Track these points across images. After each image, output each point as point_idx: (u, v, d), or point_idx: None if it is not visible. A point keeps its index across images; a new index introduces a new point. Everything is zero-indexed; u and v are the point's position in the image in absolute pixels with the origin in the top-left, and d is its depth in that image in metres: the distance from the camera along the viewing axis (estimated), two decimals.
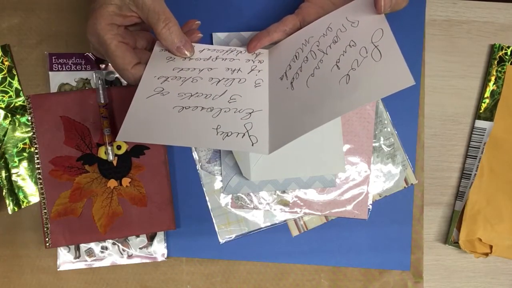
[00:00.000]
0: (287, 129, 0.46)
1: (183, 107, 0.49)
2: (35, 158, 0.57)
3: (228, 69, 0.54)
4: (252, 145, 0.46)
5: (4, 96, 0.60)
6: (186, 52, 0.52)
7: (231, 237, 0.59)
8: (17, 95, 0.60)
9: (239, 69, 0.54)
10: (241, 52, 0.57)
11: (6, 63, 0.60)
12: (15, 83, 0.60)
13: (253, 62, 0.55)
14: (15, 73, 0.60)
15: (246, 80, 0.53)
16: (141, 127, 0.47)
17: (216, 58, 0.55)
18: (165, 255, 0.59)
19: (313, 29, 0.53)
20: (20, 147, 0.59)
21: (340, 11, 0.52)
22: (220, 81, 0.52)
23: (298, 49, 0.53)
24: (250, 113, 0.49)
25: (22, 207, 0.59)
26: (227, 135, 0.46)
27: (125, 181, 0.58)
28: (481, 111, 0.61)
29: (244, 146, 0.46)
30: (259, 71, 0.54)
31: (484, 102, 0.61)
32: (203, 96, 0.50)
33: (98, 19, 0.48)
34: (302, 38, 0.54)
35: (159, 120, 0.47)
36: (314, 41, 0.52)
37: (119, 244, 0.59)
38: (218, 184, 0.60)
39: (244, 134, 0.47)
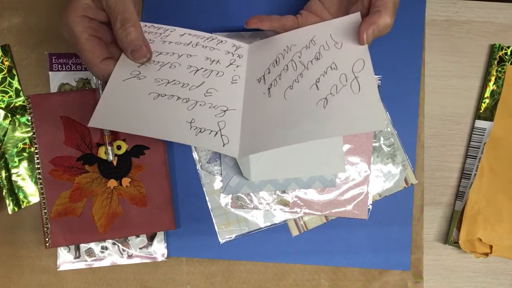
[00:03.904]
0: (259, 138, 0.46)
1: (158, 94, 0.48)
2: (35, 158, 0.57)
3: (208, 58, 0.53)
4: (223, 145, 0.46)
5: (4, 96, 0.60)
6: (140, 58, 0.48)
7: (231, 237, 0.59)
8: (17, 95, 0.60)
9: (218, 61, 0.53)
10: (221, 42, 0.56)
11: (6, 63, 0.60)
12: (15, 83, 0.60)
13: (233, 55, 0.55)
14: (15, 73, 0.60)
15: (224, 74, 0.52)
16: (114, 114, 0.46)
17: (197, 45, 0.54)
18: (165, 255, 0.59)
19: (297, 37, 0.53)
20: (20, 147, 0.59)
21: (325, 25, 0.52)
22: (198, 70, 0.51)
23: (279, 54, 0.53)
24: (225, 111, 0.49)
25: (22, 207, 0.59)
26: (200, 131, 0.46)
27: (125, 181, 0.58)
28: (481, 111, 0.61)
29: (215, 145, 0.46)
30: (237, 66, 0.54)
31: (484, 102, 0.61)
32: (180, 85, 0.49)
33: (70, 11, 0.47)
34: (284, 43, 0.53)
35: (133, 107, 0.47)
36: (296, 50, 0.52)
37: (119, 244, 0.59)
38: (218, 184, 0.60)
39: (216, 133, 0.46)
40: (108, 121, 0.46)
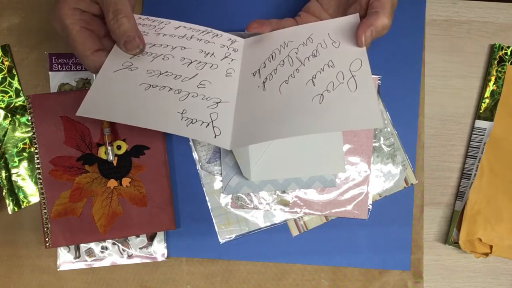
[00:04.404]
0: (252, 130, 0.46)
1: (150, 85, 0.47)
2: (35, 158, 0.57)
3: (202, 51, 0.53)
4: (215, 137, 0.45)
5: (4, 96, 0.60)
6: (133, 49, 0.48)
7: (231, 237, 0.59)
8: (17, 95, 0.60)
9: (212, 54, 0.53)
10: (217, 35, 0.55)
11: (6, 63, 0.60)
12: (15, 83, 0.60)
13: (228, 49, 0.54)
14: (15, 73, 0.60)
15: (218, 66, 0.52)
16: (104, 104, 0.45)
17: (191, 37, 0.54)
18: (165, 255, 0.59)
19: (294, 34, 0.53)
20: (20, 147, 0.59)
21: (323, 24, 0.52)
22: (192, 62, 0.51)
23: (276, 49, 0.52)
24: (218, 102, 0.48)
25: (22, 207, 0.59)
26: (191, 121, 0.45)
27: (125, 181, 0.58)
28: (481, 111, 0.61)
29: (206, 136, 0.45)
30: (232, 60, 0.53)
31: (484, 102, 0.61)
32: (172, 76, 0.49)
33: (62, 4, 0.47)
34: (281, 39, 0.53)
35: (123, 98, 0.46)
36: (293, 46, 0.51)
37: (119, 244, 0.59)
38: (218, 184, 0.60)
39: (208, 124, 0.46)
40: (97, 111, 0.45)
